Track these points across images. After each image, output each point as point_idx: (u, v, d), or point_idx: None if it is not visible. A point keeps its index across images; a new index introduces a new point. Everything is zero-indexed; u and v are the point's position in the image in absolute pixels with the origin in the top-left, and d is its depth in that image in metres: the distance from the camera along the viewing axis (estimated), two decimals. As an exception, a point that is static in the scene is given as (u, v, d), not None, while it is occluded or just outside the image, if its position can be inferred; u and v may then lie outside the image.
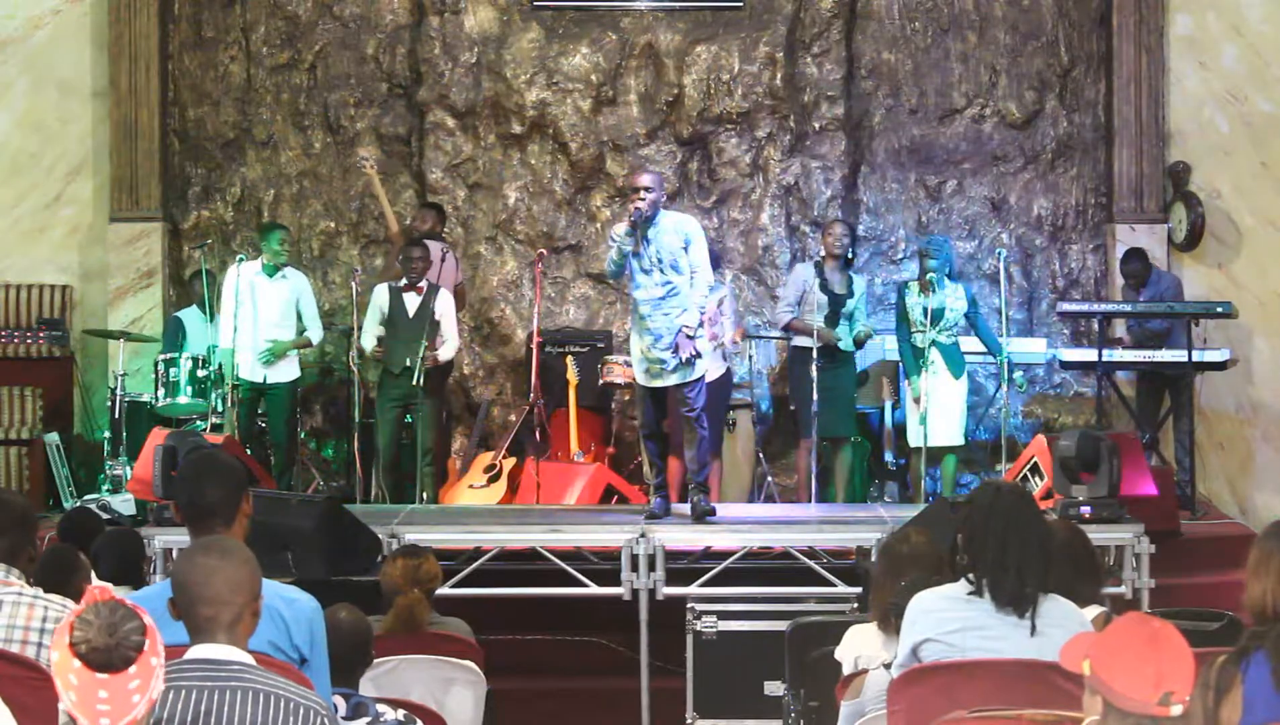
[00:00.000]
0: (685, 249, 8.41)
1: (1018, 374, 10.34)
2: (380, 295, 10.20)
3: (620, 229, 8.47)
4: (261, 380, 10.16)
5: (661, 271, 8.38)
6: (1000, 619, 4.39)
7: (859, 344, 10.19)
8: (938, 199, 11.77)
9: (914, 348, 9.79)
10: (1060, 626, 4.33)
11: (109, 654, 2.86)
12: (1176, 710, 3.09)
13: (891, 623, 4.88)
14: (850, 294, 10.06)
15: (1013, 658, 4.31)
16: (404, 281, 10.18)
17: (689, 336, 8.38)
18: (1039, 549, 4.42)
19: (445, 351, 10.18)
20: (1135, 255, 10.73)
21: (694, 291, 8.41)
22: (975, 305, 9.93)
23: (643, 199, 8.33)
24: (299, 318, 10.37)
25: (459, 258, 11.06)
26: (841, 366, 10.04)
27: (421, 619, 6.03)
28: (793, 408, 10.47)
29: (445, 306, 10.17)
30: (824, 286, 10.00)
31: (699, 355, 8.48)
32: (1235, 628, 5.10)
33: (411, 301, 10.14)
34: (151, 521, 7.84)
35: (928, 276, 9.75)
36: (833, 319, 9.95)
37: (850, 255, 10.23)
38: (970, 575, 4.44)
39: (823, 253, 10.24)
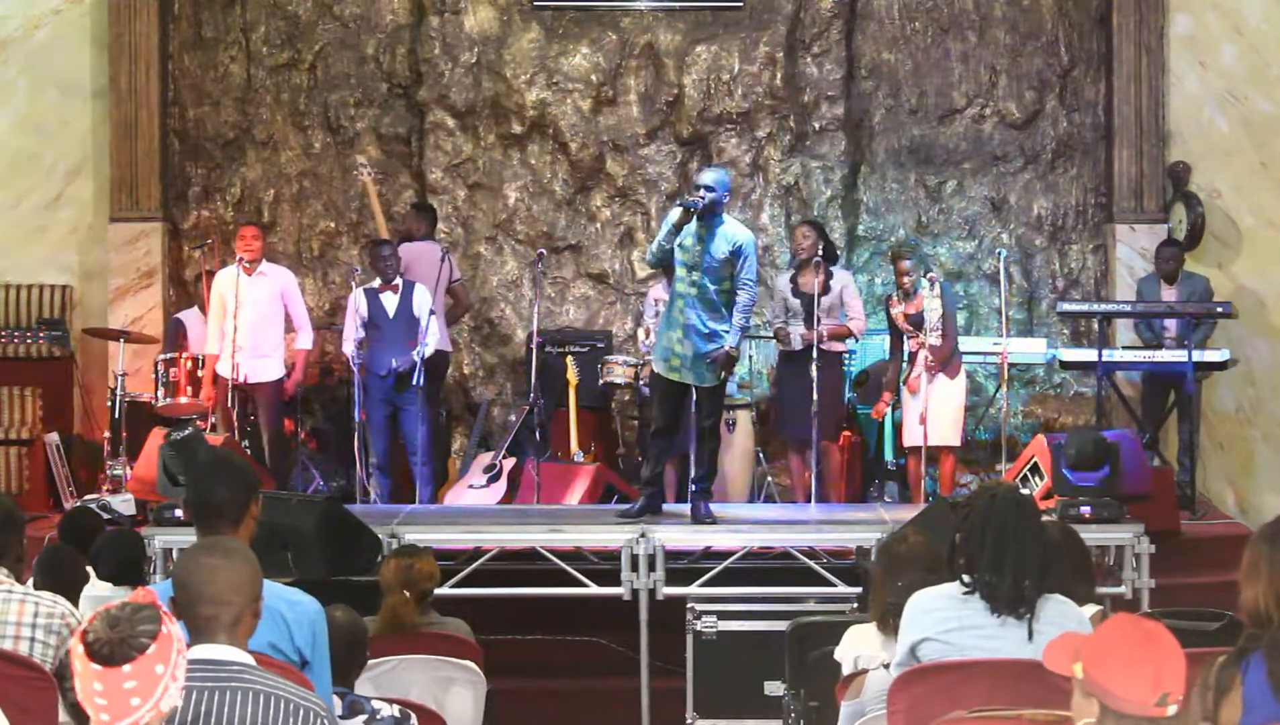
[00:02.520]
0: (731, 258, 8.22)
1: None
2: (358, 299, 10.14)
3: (673, 215, 8.30)
4: (243, 380, 10.06)
5: (701, 272, 8.22)
6: (998, 618, 4.39)
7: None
8: (938, 199, 11.77)
9: (904, 353, 9.80)
10: (1057, 625, 4.33)
11: (109, 647, 2.87)
12: (1172, 710, 3.10)
13: (890, 623, 4.88)
14: (827, 291, 9.95)
15: (1013, 658, 4.31)
16: (378, 282, 10.16)
17: (731, 357, 8.29)
18: (1036, 553, 4.40)
19: (429, 347, 10.07)
20: (1175, 244, 10.73)
21: (736, 313, 8.24)
22: (948, 293, 9.88)
23: (702, 197, 8.17)
24: (287, 317, 10.33)
25: (453, 261, 11.02)
26: (826, 368, 9.89)
27: (408, 620, 6.00)
28: (778, 410, 10.47)
29: (424, 302, 10.13)
30: (796, 290, 9.92)
31: (729, 371, 8.42)
32: (1235, 628, 5.09)
33: (390, 301, 10.12)
34: (151, 521, 7.84)
35: (905, 279, 9.75)
36: (809, 320, 9.83)
37: (820, 253, 10.04)
38: (965, 577, 4.44)
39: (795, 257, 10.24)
